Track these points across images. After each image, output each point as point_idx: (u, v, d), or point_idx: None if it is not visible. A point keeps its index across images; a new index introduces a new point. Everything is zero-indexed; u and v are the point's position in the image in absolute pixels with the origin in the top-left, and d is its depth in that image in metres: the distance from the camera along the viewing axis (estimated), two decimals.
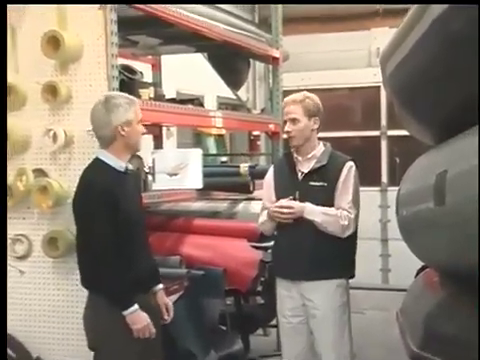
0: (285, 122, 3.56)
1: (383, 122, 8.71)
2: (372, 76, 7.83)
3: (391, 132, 8.55)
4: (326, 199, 3.44)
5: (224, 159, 7.11)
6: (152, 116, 3.84)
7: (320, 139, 3.60)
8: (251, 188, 4.56)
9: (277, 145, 5.67)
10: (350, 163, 3.49)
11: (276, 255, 3.63)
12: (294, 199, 3.48)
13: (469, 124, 2.68)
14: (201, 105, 4.95)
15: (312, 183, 3.48)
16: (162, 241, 4.17)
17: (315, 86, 8.61)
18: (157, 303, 3.22)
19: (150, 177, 3.95)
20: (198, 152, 4.17)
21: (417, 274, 4.16)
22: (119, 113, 3.03)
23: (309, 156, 3.53)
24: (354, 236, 3.49)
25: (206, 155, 6.61)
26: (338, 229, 3.41)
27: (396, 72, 3.49)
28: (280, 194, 3.54)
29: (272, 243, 4.06)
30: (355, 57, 8.80)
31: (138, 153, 3.73)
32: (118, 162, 3.07)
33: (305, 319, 3.49)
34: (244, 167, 4.53)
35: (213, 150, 7.76)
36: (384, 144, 8.76)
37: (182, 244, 4.12)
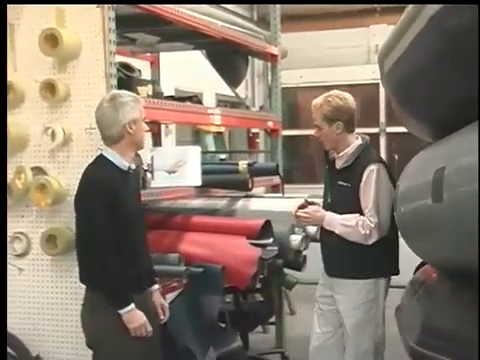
0: (313, 125, 3.60)
1: (382, 119, 8.73)
2: (371, 73, 7.83)
3: (390, 129, 8.58)
4: (352, 200, 3.48)
5: (223, 156, 7.13)
6: (151, 114, 3.84)
7: (358, 134, 3.62)
8: (250, 185, 4.55)
9: (276, 142, 5.68)
10: (372, 167, 3.47)
11: (321, 251, 3.76)
12: (327, 198, 3.56)
13: (467, 121, 2.69)
14: (200, 102, 4.96)
15: (340, 182, 3.54)
16: (161, 238, 4.17)
17: (313, 83, 8.66)
18: (153, 303, 3.23)
19: (149, 175, 3.95)
20: (197, 149, 4.18)
21: (416, 270, 4.17)
22: (127, 111, 3.04)
23: (341, 154, 3.57)
24: (390, 235, 3.51)
25: (205, 152, 6.64)
26: (359, 238, 3.46)
27: (394, 69, 3.49)
28: (324, 191, 3.68)
29: (271, 240, 4.10)
30: (354, 54, 8.82)
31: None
32: (122, 161, 3.09)
33: (335, 310, 3.60)
34: (243, 164, 4.53)
35: (212, 147, 7.77)
36: (383, 141, 8.78)
37: (181, 241, 4.12)
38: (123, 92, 3.19)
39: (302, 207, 3.59)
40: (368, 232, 3.42)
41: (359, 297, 3.50)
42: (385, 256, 3.55)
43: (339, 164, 3.60)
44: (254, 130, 8.44)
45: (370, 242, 3.44)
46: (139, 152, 3.86)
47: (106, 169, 3.04)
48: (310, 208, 3.57)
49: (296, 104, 9.26)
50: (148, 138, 5.47)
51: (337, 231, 3.49)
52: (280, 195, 4.88)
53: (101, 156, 3.11)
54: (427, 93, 3.18)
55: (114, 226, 2.96)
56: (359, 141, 3.60)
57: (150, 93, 3.97)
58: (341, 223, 3.49)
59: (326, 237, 3.64)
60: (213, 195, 4.84)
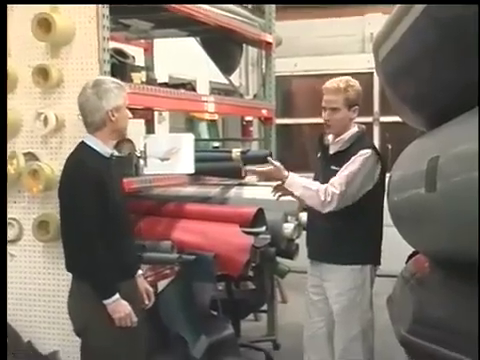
0: (324, 108, 3.56)
1: (376, 108, 8.71)
2: (366, 62, 7.81)
3: (384, 118, 8.56)
4: None
5: (216, 144, 7.10)
6: (144, 100, 3.83)
7: (356, 122, 3.63)
8: (243, 173, 4.55)
9: (270, 131, 5.66)
10: (364, 151, 3.48)
11: (306, 235, 3.80)
12: (320, 181, 3.55)
13: (462, 110, 2.69)
14: (193, 90, 4.93)
15: (333, 167, 3.53)
16: (153, 226, 4.16)
17: (308, 72, 8.64)
18: (138, 289, 3.23)
19: (142, 162, 3.94)
20: (190, 137, 4.15)
21: (408, 260, 4.18)
22: (110, 98, 3.02)
23: (337, 139, 3.57)
24: (375, 224, 3.53)
25: (198, 140, 6.60)
26: (316, 204, 3.44)
27: (388, 58, 3.49)
28: (314, 176, 3.68)
29: (263, 228, 4.10)
30: (349, 43, 8.79)
31: (130, 137, 3.74)
32: (104, 148, 3.07)
33: (325, 298, 3.63)
34: (236, 152, 4.52)
35: (205, 135, 7.75)
36: (376, 130, 8.77)
37: (173, 229, 4.10)
38: (107, 78, 3.17)
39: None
40: (329, 199, 3.39)
41: (346, 283, 3.53)
42: (370, 244, 3.56)
43: (333, 149, 3.61)
44: (248, 118, 8.40)
45: (326, 210, 3.41)
46: (132, 139, 3.88)
47: (89, 156, 3.02)
48: (274, 168, 3.54)
49: (290, 92, 9.24)
50: (141, 125, 5.45)
51: (297, 193, 3.48)
52: (273, 184, 4.87)
53: (83, 143, 3.09)
54: (421, 82, 3.18)
55: (99, 213, 2.94)
56: (355, 129, 3.61)
57: (144, 80, 3.95)
58: (303, 185, 3.48)
59: (312, 219, 3.66)
60: (206, 183, 4.83)
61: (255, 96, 7.63)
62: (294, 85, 9.16)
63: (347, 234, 3.49)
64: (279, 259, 4.58)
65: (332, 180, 3.44)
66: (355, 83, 3.56)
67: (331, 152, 3.61)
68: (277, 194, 3.65)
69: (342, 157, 3.52)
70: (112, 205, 3.02)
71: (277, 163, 3.57)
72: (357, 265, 3.53)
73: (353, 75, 3.70)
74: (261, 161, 4.80)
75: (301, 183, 3.49)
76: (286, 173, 3.53)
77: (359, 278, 3.54)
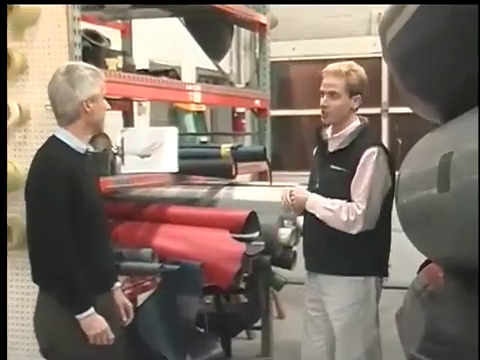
0: (322, 93, 3.58)
1: (384, 98, 8.74)
2: (372, 46, 7.83)
3: (393, 109, 8.59)
4: (345, 187, 3.50)
5: (204, 139, 7.11)
6: (121, 89, 3.83)
7: (358, 114, 3.65)
8: (233, 172, 4.54)
9: (264, 123, 5.68)
10: (372, 149, 3.50)
11: (302, 242, 3.84)
12: (314, 183, 3.59)
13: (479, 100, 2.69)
14: (177, 77, 4.94)
15: (333, 167, 3.56)
16: (132, 231, 4.16)
17: (307, 57, 8.65)
18: (115, 303, 3.23)
19: (118, 159, 3.95)
20: (173, 131, 4.17)
21: (420, 270, 4.20)
22: (85, 87, 3.02)
23: (337, 135, 3.60)
24: (380, 230, 3.54)
25: (183, 134, 6.61)
26: (341, 225, 3.48)
27: (397, 41, 3.49)
28: (310, 176, 3.73)
29: (256, 234, 4.11)
30: (353, 24, 8.81)
31: (105, 131, 3.73)
32: (78, 143, 3.06)
33: (325, 315, 3.64)
34: (225, 148, 4.52)
35: (191, 129, 7.75)
36: (385, 123, 8.79)
37: (155, 235, 4.11)
38: (81, 64, 3.16)
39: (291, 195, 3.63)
40: (353, 219, 3.44)
41: (347, 297, 3.53)
42: (376, 252, 3.57)
43: (333, 146, 3.62)
44: (239, 109, 8.43)
45: (353, 231, 3.46)
46: (107, 133, 3.87)
47: (61, 152, 3.01)
48: (295, 190, 3.60)
49: (288, 80, 9.24)
50: (118, 117, 5.45)
51: (319, 215, 3.53)
52: (267, 183, 4.89)
53: (54, 137, 3.07)
54: (434, 68, 3.18)
55: (72, 217, 2.94)
56: (358, 122, 3.62)
57: (120, 66, 3.95)
58: (324, 206, 3.52)
59: (309, 225, 3.67)
60: (192, 183, 4.83)
61: (247, 84, 7.67)
62: (292, 72, 9.17)
63: (348, 241, 3.50)
64: (275, 269, 4.58)
65: (353, 196, 3.47)
66: (359, 68, 3.58)
67: (330, 150, 3.62)
68: (291, 208, 3.69)
69: (343, 155, 3.54)
70: (87, 208, 3.01)
71: (298, 186, 3.63)
72: (360, 276, 3.54)
73: (358, 60, 3.72)
74: (254, 158, 4.84)
75: (322, 203, 3.53)
76: (305, 193, 3.59)
77: (362, 291, 3.54)
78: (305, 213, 3.67)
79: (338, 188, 3.52)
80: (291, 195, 3.60)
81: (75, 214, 2.96)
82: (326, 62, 3.89)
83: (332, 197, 3.50)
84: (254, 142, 6.31)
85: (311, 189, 3.67)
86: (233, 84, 7.13)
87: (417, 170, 3.24)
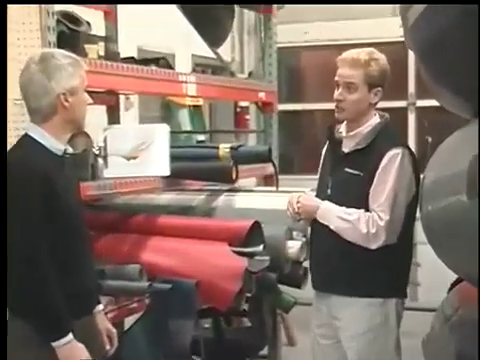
0: (337, 84, 3.59)
1: (411, 89, 8.75)
2: (397, 28, 7.84)
3: (421, 102, 8.59)
4: (362, 193, 3.52)
5: (201, 138, 7.14)
6: (103, 81, 3.87)
7: (378, 109, 3.67)
8: (234, 176, 4.57)
9: (270, 120, 5.70)
10: (395, 151, 3.52)
11: (310, 256, 3.85)
12: (325, 188, 3.60)
13: None
14: (169, 66, 4.96)
15: (348, 170, 3.58)
16: (117, 245, 4.19)
17: (321, 42, 8.67)
18: (97, 328, 3.24)
19: (101, 161, 3.97)
20: (165, 128, 4.18)
21: (450, 290, 4.20)
22: (62, 78, 3.04)
23: (353, 133, 3.61)
24: (402, 244, 3.56)
25: (177, 132, 6.64)
26: (360, 239, 3.49)
27: (420, 23, 3.49)
28: (319, 180, 3.75)
29: (260, 248, 4.13)
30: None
31: (86, 130, 3.75)
32: (55, 143, 3.08)
33: (337, 342, 3.65)
34: (224, 149, 4.54)
35: (187, 126, 7.78)
36: (412, 118, 8.81)
37: (143, 249, 4.13)
38: (58, 51, 3.17)
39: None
40: (373, 231, 3.45)
41: (362, 322, 3.55)
42: (398, 269, 3.57)
43: (349, 146, 3.63)
44: (242, 104, 8.45)
45: (373, 246, 3.47)
46: (88, 132, 3.90)
47: (35, 154, 3.03)
48: (302, 197, 3.61)
49: (298, 69, 9.27)
50: (102, 113, 5.47)
51: (332, 226, 3.54)
52: (273, 189, 4.91)
53: (27, 137, 3.09)
54: (464, 54, 3.19)
55: (47, 229, 2.96)
56: (377, 119, 3.64)
57: (102, 53, 3.98)
58: (338, 216, 3.52)
59: (318, 236, 3.69)
60: (186, 188, 4.86)
61: (251, 74, 7.66)
62: (303, 60, 9.20)
63: (365, 256, 3.51)
64: (282, 287, 4.61)
65: (372, 204, 3.49)
66: (380, 57, 3.60)
67: (345, 150, 3.63)
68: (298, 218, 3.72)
69: (360, 157, 3.55)
70: (65, 218, 3.04)
71: (308, 192, 3.63)
72: (378, 298, 3.56)
73: (381, 45, 3.74)
74: (257, 159, 4.86)
75: (336, 213, 3.53)
76: (316, 201, 3.59)
77: (380, 314, 3.56)
78: (313, 222, 3.68)
79: (353, 195, 3.53)
80: (298, 202, 3.60)
81: (50, 226, 2.98)
82: (343, 48, 3.90)
83: (346, 205, 3.52)
84: (259, 141, 6.34)
85: (321, 196, 3.67)
86: (235, 74, 7.13)
87: (444, 173, 3.24)
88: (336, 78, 3.61)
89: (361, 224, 3.47)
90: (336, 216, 3.54)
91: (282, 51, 6.07)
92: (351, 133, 3.63)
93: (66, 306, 2.97)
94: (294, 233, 4.39)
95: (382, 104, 3.73)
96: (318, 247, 3.72)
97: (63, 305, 2.96)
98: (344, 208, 3.53)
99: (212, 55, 6.58)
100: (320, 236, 3.65)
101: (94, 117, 4.11)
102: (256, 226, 4.16)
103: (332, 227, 3.54)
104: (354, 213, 3.50)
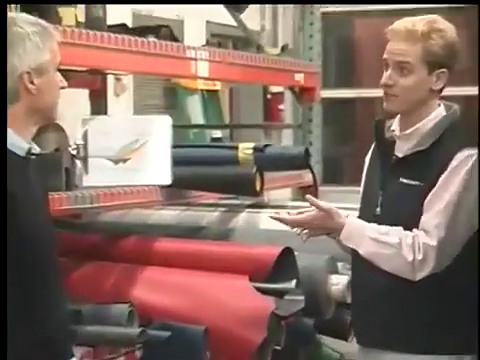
0: (386, 64, 3.60)
1: None
2: None
3: None
4: (422, 212, 3.48)
5: (218, 134, 7.15)
6: (83, 56, 3.88)
7: (443, 98, 3.65)
8: (258, 186, 4.56)
9: (310, 111, 5.71)
10: (467, 152, 3.49)
11: (351, 299, 3.87)
12: (373, 207, 3.60)
13: None
14: (174, 38, 4.97)
15: (403, 180, 3.55)
16: (99, 277, 4.22)
17: (378, 6, 8.66)
18: None
19: (79, 164, 3.98)
20: (166, 121, 4.20)
21: None
22: (26, 52, 3.05)
23: (409, 131, 3.59)
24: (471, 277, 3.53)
25: (184, 126, 6.67)
26: (402, 268, 3.46)
27: None
28: (363, 195, 3.77)
29: (293, 284, 4.12)
30: None
31: (59, 121, 3.76)
32: (16, 139, 3.09)
33: None
34: (246, 149, 4.54)
35: (199, 118, 7.80)
36: None
37: (134, 282, 4.15)
38: (21, 16, 3.18)
39: None
40: (420, 257, 3.41)
41: None
42: (466, 318, 3.55)
43: (404, 148, 3.59)
44: (274, 89, 8.47)
45: (417, 276, 3.43)
46: (62, 124, 3.92)
47: None
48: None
49: (349, 44, 9.29)
50: (83, 100, 5.50)
51: (361, 250, 3.50)
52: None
53: None
54: None
55: (6, 254, 2.97)
56: (443, 111, 3.61)
57: (82, 19, 3.99)
58: (372, 237, 3.49)
59: (358, 271, 3.66)
60: (195, 203, 4.88)
61: (285, 49, 7.68)
62: (357, 29, 9.21)
63: (424, 301, 3.49)
64: (322, 339, 4.61)
65: (424, 219, 3.45)
66: (446, 27, 3.56)
67: (399, 154, 3.60)
68: (303, 233, 3.67)
69: (420, 163, 3.53)
70: (28, 240, 3.04)
71: (323, 204, 3.60)
72: (444, 355, 3.53)
73: (457, 11, 3.71)
74: (290, 164, 4.85)
75: (369, 232, 3.51)
76: (340, 218, 3.57)
77: None
78: (352, 251, 3.65)
79: (411, 213, 3.50)
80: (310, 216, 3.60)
81: (13, 249, 2.99)
82: (405, 14, 3.90)
83: (404, 228, 3.49)
84: (296, 139, 6.35)
85: (367, 216, 3.64)
86: (263, 49, 7.16)
87: None
88: (385, 55, 3.58)
89: (405, 248, 3.43)
90: (369, 237, 3.49)
91: (328, 18, 6.05)
92: (407, 131, 3.59)
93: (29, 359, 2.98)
94: (339, 264, 4.39)
95: (449, 91, 3.70)
96: (359, 286, 3.69)
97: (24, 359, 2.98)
98: (383, 227, 3.50)
99: (233, 23, 6.60)
100: (361, 270, 3.62)
101: (71, 105, 4.14)
102: (287, 254, 4.18)
103: (361, 251, 3.50)
104: (393, 233, 3.47)
